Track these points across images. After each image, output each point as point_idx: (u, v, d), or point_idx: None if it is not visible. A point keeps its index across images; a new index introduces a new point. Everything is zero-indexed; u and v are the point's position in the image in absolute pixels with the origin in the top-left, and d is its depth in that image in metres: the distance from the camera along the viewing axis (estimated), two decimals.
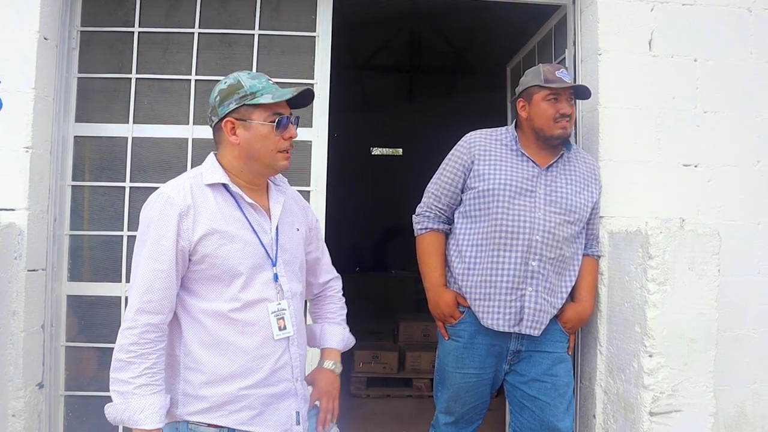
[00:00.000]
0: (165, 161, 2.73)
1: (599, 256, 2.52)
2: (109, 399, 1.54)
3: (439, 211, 2.44)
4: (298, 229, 1.82)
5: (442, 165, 2.47)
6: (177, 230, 1.56)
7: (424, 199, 2.49)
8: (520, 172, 2.35)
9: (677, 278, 2.26)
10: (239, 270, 1.62)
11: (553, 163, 2.39)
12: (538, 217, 2.30)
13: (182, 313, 1.62)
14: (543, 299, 2.30)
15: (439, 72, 7.43)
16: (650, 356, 2.26)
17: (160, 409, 1.53)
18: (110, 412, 1.53)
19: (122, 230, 2.70)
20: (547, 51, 3.24)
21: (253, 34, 2.78)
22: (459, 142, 2.46)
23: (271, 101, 1.64)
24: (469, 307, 2.35)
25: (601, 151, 2.58)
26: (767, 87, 2.68)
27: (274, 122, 1.65)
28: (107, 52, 2.75)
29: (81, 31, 2.72)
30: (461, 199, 2.42)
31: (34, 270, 2.45)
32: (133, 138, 2.72)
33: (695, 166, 2.63)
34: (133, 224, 2.67)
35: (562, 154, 2.41)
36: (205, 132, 2.69)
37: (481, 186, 2.33)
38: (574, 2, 2.82)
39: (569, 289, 2.41)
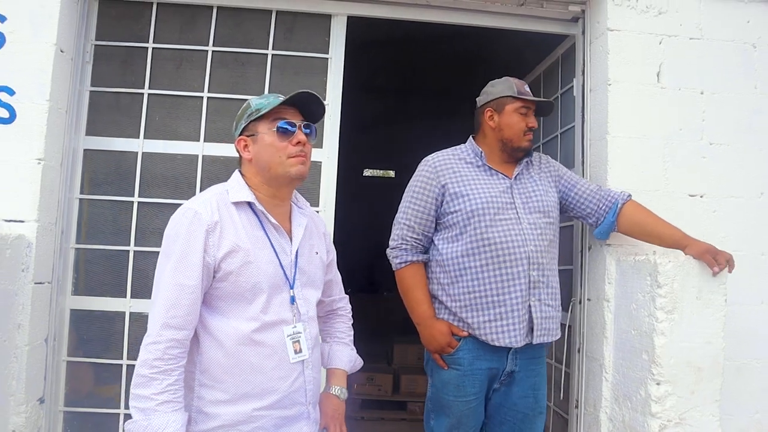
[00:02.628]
0: (174, 177, 2.72)
1: (629, 195, 2.47)
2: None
3: (416, 242, 2.40)
4: (317, 253, 1.82)
5: (408, 194, 2.42)
6: (204, 246, 1.56)
7: (396, 231, 2.43)
8: (495, 188, 2.35)
9: (685, 307, 2.28)
10: (262, 288, 1.62)
11: (521, 171, 2.42)
12: (525, 227, 2.30)
13: (201, 329, 1.61)
14: (547, 306, 2.32)
15: (439, 96, 7.47)
16: (658, 384, 2.27)
17: (182, 426, 1.50)
18: (131, 429, 1.50)
19: (129, 245, 2.68)
20: (553, 79, 3.29)
21: (267, 54, 2.80)
22: (420, 168, 2.42)
23: (269, 109, 1.66)
24: (465, 336, 2.32)
25: (610, 179, 2.61)
26: None
27: (278, 129, 1.66)
28: (120, 66, 2.75)
29: (95, 45, 2.72)
30: (437, 226, 2.40)
31: (40, 283, 2.43)
32: (143, 153, 2.71)
33: (701, 197, 2.68)
34: (140, 239, 2.68)
35: (526, 161, 2.45)
36: (215, 149, 2.73)
37: (462, 208, 2.31)
38: (583, 33, 2.87)
39: (558, 282, 2.41)
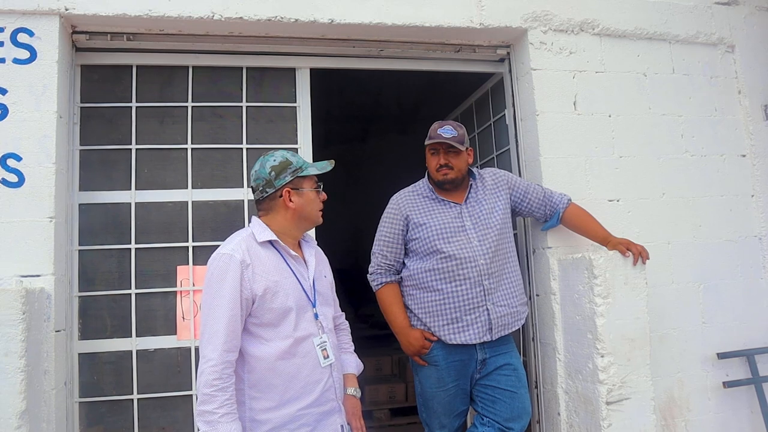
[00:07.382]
0: (167, 223, 2.98)
1: (569, 199, 3.01)
2: None
3: (389, 267, 2.88)
4: (325, 276, 2.21)
5: (380, 229, 2.90)
6: (241, 282, 1.91)
7: (373, 260, 2.90)
8: (447, 214, 2.84)
9: (617, 292, 2.81)
10: (291, 309, 1.98)
11: (468, 195, 2.90)
12: (475, 246, 2.78)
13: (246, 353, 1.94)
14: (501, 307, 2.78)
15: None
16: (602, 356, 2.79)
17: None
18: None
19: (130, 289, 2.90)
20: (485, 108, 3.82)
21: (241, 106, 3.13)
22: (388, 206, 2.92)
23: (317, 172, 2.07)
24: (435, 340, 2.76)
25: None
26: (664, 134, 3.39)
27: (317, 189, 2.10)
28: (106, 125, 2.98)
29: (81, 107, 2.95)
30: (406, 250, 2.87)
31: (59, 331, 2.63)
32: (136, 203, 2.95)
33: (617, 201, 3.26)
34: (141, 282, 2.92)
35: (472, 185, 2.93)
36: (202, 194, 3.02)
37: (422, 234, 2.79)
38: (510, 71, 3.41)
39: (518, 280, 2.90)
